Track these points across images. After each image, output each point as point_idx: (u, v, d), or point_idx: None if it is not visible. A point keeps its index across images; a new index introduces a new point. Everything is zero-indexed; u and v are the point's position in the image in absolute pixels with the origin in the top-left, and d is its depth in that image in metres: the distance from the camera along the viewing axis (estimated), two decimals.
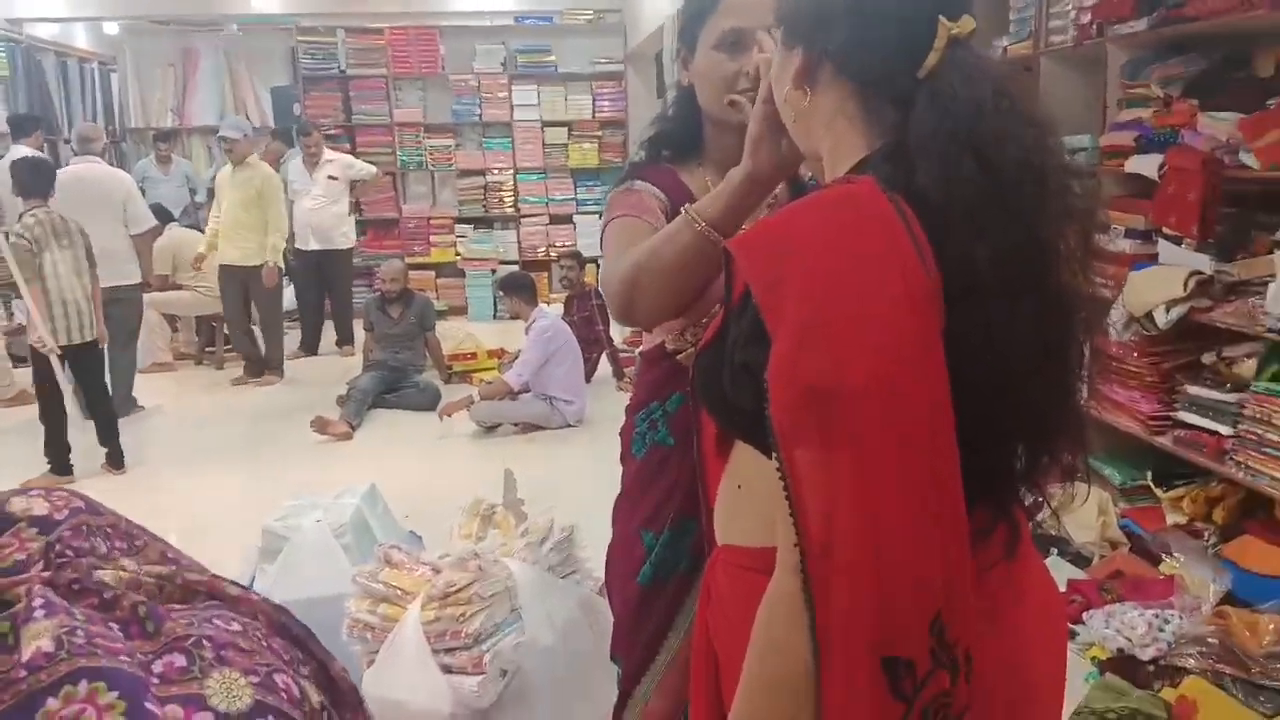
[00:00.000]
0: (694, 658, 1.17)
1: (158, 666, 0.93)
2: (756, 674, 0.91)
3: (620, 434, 1.73)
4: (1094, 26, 3.35)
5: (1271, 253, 2.82)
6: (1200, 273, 3.02)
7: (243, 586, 1.11)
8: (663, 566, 1.59)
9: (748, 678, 0.92)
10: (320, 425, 5.44)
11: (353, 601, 2.27)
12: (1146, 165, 3.14)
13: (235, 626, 1.00)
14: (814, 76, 1.03)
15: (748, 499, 1.04)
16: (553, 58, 9.20)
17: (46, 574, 0.96)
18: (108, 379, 5.90)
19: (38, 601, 0.91)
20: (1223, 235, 3.01)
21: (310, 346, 7.74)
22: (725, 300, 0.98)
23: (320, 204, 7.45)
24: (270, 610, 1.09)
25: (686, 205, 1.34)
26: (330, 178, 7.49)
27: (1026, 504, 1.04)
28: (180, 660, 0.94)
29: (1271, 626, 2.70)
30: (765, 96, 1.23)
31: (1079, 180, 0.97)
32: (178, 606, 1.02)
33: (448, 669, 2.10)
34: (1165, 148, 3.09)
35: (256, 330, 7.08)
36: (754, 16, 1.44)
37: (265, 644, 1.02)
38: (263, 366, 6.86)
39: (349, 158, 7.87)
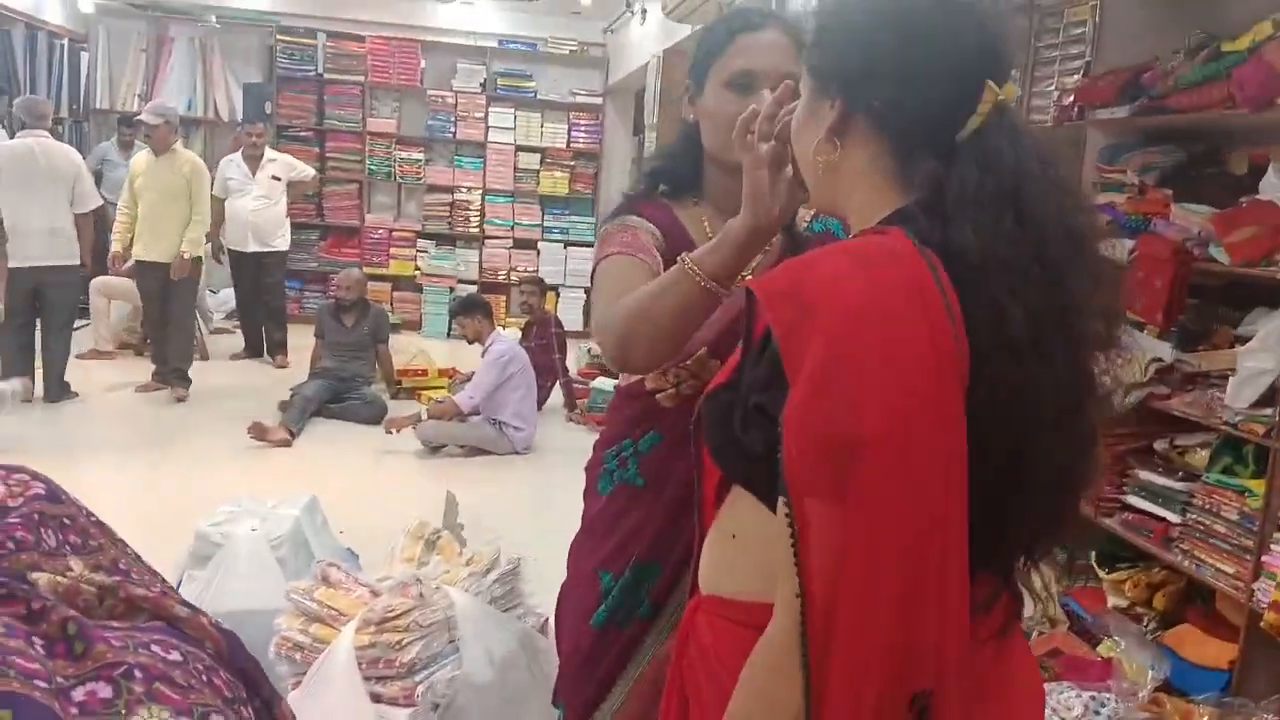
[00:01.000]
0: (664, 707, 1.13)
1: (78, 694, 0.84)
2: None
3: (586, 469, 1.67)
4: (1075, 109, 3.40)
5: (1233, 346, 2.86)
6: (1160, 360, 3.04)
7: (193, 608, 1.03)
8: (619, 611, 1.53)
9: None
10: (258, 432, 5.28)
11: (284, 619, 2.17)
12: (1115, 250, 3.17)
13: (174, 656, 0.92)
14: (846, 129, 1.01)
15: (741, 550, 1.01)
16: (533, 83, 9.22)
17: None
18: (37, 361, 5.72)
19: None
20: (1185, 325, 3.05)
21: (255, 349, 7.53)
22: (744, 342, 0.95)
23: (263, 205, 7.26)
24: (219, 637, 1.00)
25: (684, 256, 1.30)
26: (274, 178, 7.32)
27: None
28: (105, 691, 0.85)
29: (1205, 718, 2.71)
30: (764, 149, 1.21)
31: (1110, 250, 0.97)
32: (115, 624, 0.94)
33: (377, 698, 2.01)
34: (1136, 234, 3.13)
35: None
36: (767, 59, 1.42)
37: (206, 678, 0.93)
38: (172, 377, 6.23)
39: (290, 158, 7.72)
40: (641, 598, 1.52)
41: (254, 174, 7.30)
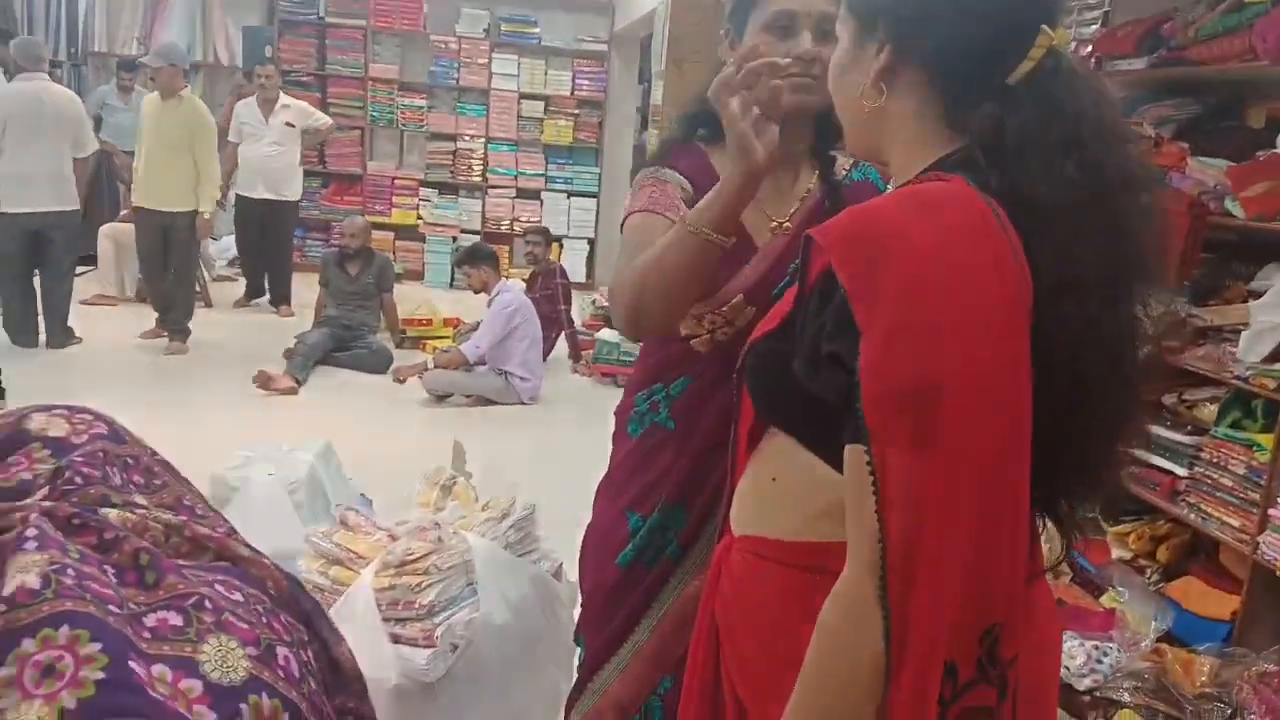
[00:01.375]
0: (694, 644, 1.16)
1: (150, 620, 0.87)
2: (822, 672, 0.90)
3: (615, 412, 1.69)
4: (1093, 60, 3.37)
5: (1246, 301, 2.86)
6: (1174, 313, 3.05)
7: (255, 550, 1.05)
8: (646, 551, 1.56)
9: (811, 676, 0.90)
10: (263, 381, 5.29)
11: (303, 561, 2.20)
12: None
13: (237, 596, 0.94)
14: (894, 73, 1.00)
15: (781, 493, 1.03)
16: (537, 29, 9.09)
17: (48, 503, 0.90)
18: (38, 306, 5.71)
19: (31, 532, 0.84)
20: (1198, 280, 3.05)
21: (256, 291, 7.47)
22: (799, 285, 0.95)
23: (275, 152, 7.14)
24: (281, 578, 1.03)
25: (683, 216, 1.32)
26: (287, 124, 7.20)
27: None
28: (176, 619, 0.88)
29: (1206, 667, 2.75)
30: (735, 103, 1.23)
31: (1160, 193, 0.99)
32: (182, 562, 0.96)
33: (396, 639, 2.04)
34: None
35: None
36: (807, 0, 1.40)
37: (266, 620, 0.96)
38: (171, 328, 6.09)
39: (305, 105, 7.59)
40: (669, 539, 1.54)
41: (267, 119, 7.17)
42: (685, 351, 1.50)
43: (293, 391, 5.35)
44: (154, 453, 1.09)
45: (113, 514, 0.94)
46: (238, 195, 7.28)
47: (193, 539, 1.00)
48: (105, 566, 0.89)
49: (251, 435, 3.94)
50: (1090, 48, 3.39)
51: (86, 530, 0.90)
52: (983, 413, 0.84)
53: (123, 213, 6.50)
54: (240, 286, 7.67)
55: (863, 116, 1.04)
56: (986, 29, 0.95)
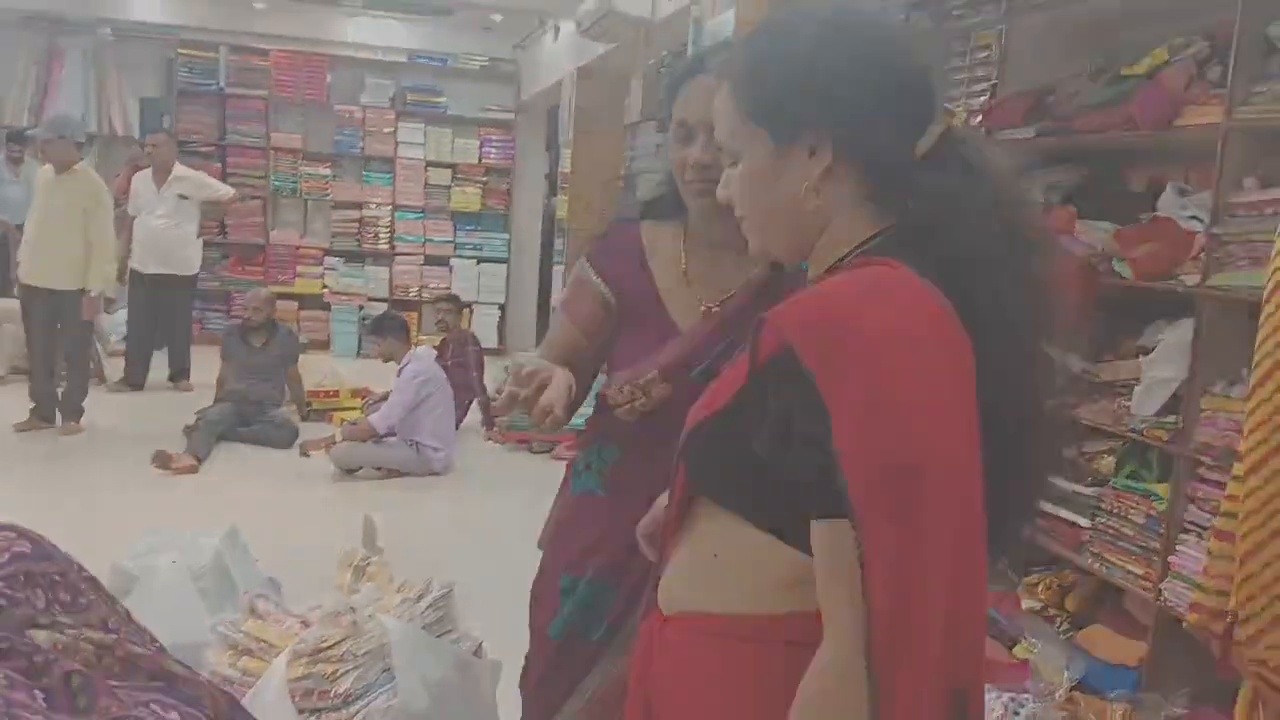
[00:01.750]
0: None
1: None
2: None
3: (567, 465, 1.72)
4: (982, 129, 3.52)
5: (1138, 357, 2.98)
6: (1070, 368, 3.16)
7: (188, 667, 1.00)
8: (575, 626, 1.55)
9: None
10: (162, 461, 5.08)
11: (211, 653, 2.10)
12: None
13: (173, 716, 0.90)
14: (830, 171, 1.02)
15: (725, 568, 1.03)
16: (443, 99, 9.15)
17: None
18: None
19: None
20: (1092, 336, 3.17)
21: (137, 380, 7.01)
22: (749, 368, 0.97)
23: (165, 224, 6.86)
24: (217, 695, 0.98)
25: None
26: (181, 197, 6.93)
27: None
28: None
29: (1119, 714, 2.81)
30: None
31: (1060, 251, 1.05)
32: (114, 682, 0.91)
33: None
34: None
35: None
36: (696, 111, 1.47)
37: None
38: (54, 411, 5.73)
39: (203, 176, 7.33)
40: (600, 617, 1.54)
41: (159, 189, 6.92)
42: (616, 419, 1.51)
43: (193, 470, 5.16)
44: (81, 569, 1.05)
45: (41, 635, 0.90)
46: (131, 270, 7.02)
47: (125, 658, 0.96)
48: (35, 691, 0.85)
49: (152, 519, 3.78)
50: (980, 118, 3.54)
51: (14, 655, 0.87)
52: (952, 486, 0.87)
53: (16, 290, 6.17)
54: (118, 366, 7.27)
55: (800, 218, 1.04)
56: (907, 110, 1.00)
